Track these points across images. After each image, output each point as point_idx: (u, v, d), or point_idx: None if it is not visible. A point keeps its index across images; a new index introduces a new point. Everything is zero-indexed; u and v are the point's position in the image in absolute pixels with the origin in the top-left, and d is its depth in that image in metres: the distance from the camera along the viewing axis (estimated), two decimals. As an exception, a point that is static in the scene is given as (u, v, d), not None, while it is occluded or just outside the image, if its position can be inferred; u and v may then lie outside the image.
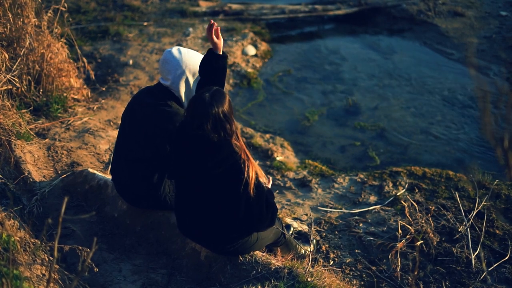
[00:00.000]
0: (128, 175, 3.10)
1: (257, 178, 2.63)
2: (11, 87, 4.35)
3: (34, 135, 4.21)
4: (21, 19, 4.50)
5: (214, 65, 2.89)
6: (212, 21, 2.86)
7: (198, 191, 2.72)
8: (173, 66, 2.94)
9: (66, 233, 3.28)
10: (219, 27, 2.93)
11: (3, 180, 3.47)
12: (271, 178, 3.08)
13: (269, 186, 2.97)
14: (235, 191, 2.60)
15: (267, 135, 5.32)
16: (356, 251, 3.67)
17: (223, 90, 2.69)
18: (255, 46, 7.08)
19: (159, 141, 2.93)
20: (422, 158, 5.10)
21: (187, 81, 2.97)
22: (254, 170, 2.60)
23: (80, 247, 2.96)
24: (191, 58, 2.99)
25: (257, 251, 2.98)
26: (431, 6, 8.09)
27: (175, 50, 2.98)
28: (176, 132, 2.77)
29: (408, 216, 3.91)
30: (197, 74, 2.99)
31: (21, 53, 4.42)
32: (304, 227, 3.78)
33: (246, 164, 2.57)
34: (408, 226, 3.76)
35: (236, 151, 2.59)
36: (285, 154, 5.04)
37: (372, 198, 4.26)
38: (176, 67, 2.94)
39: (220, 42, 2.91)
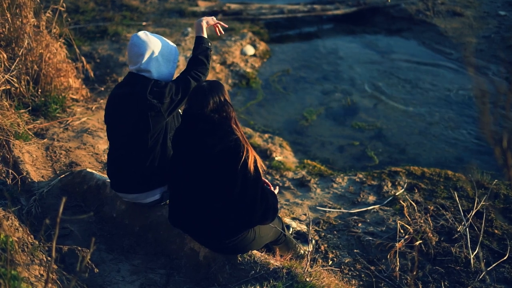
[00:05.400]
0: (127, 171, 3.10)
1: (256, 166, 2.69)
2: (9, 87, 4.34)
3: (33, 135, 4.21)
4: (20, 19, 4.49)
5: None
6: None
7: (195, 177, 2.76)
8: (142, 47, 2.99)
9: (65, 233, 3.27)
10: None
11: (1, 180, 3.47)
12: (278, 187, 3.19)
13: (276, 191, 3.05)
14: (232, 170, 2.66)
15: (266, 135, 5.32)
16: (355, 251, 3.67)
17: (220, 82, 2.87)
18: (254, 46, 7.07)
19: (155, 114, 2.96)
20: (421, 158, 5.10)
21: (157, 61, 3.03)
22: (253, 154, 2.71)
23: (79, 248, 2.96)
24: (158, 39, 3.06)
25: (256, 251, 2.97)
26: (430, 6, 8.10)
27: (141, 33, 3.06)
28: (181, 120, 2.86)
29: (407, 216, 3.90)
30: (166, 54, 3.06)
31: (20, 53, 4.42)
32: (303, 227, 3.78)
33: (244, 147, 2.67)
34: (407, 226, 3.76)
35: (235, 133, 2.70)
36: (284, 154, 5.04)
37: (371, 198, 4.26)
38: (145, 48, 2.99)
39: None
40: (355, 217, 4.00)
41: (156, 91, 2.95)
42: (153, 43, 3.01)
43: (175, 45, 3.15)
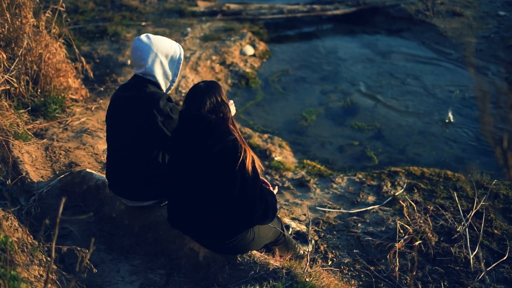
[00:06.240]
0: (127, 174, 3.09)
1: (253, 166, 2.69)
2: (9, 87, 4.34)
3: (32, 136, 4.20)
4: (19, 19, 4.49)
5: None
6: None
7: (194, 177, 2.76)
8: (145, 51, 2.99)
9: (64, 234, 3.27)
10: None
11: (1, 180, 3.47)
12: (277, 187, 3.21)
13: (275, 192, 3.05)
14: (230, 170, 2.66)
15: (265, 135, 5.32)
16: (355, 251, 3.67)
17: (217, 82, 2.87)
18: (254, 46, 7.07)
19: (153, 127, 2.95)
20: (420, 158, 5.10)
21: (161, 63, 3.03)
22: (251, 155, 2.70)
23: (78, 248, 2.95)
24: (161, 41, 3.06)
25: (255, 252, 2.97)
26: (429, 6, 8.10)
27: (143, 36, 3.05)
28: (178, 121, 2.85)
29: (407, 216, 3.91)
30: (170, 55, 3.06)
31: (19, 53, 4.41)
32: (303, 227, 3.78)
33: (242, 147, 2.67)
34: (407, 226, 3.76)
35: (232, 133, 2.70)
36: (283, 154, 5.04)
37: (371, 198, 4.26)
38: (148, 51, 2.99)
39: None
40: (355, 217, 4.00)
41: (166, 113, 2.95)
42: (156, 46, 3.01)
43: (178, 44, 3.14)
